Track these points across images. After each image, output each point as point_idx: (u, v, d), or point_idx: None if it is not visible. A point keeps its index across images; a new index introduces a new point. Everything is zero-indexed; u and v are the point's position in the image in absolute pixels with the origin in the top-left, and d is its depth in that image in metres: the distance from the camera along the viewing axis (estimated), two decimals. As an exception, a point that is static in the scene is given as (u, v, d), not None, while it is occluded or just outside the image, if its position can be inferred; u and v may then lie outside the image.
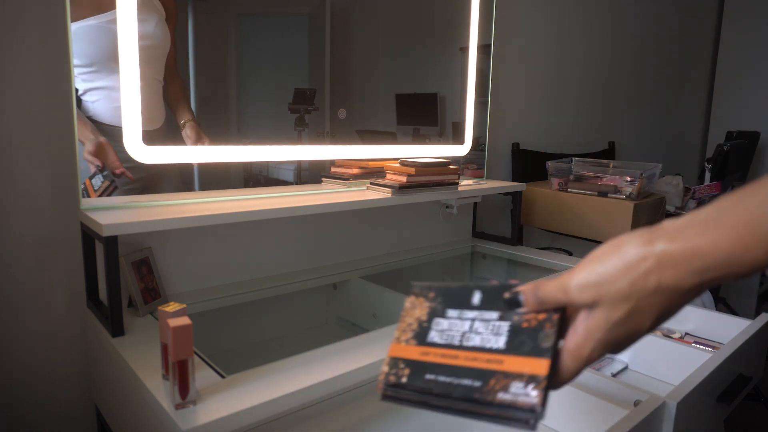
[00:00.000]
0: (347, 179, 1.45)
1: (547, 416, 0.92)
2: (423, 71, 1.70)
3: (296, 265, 1.42)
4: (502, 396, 0.42)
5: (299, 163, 1.43)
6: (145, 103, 1.07)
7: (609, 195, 1.83)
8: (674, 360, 1.12)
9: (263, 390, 0.79)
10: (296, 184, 1.44)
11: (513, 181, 2.14)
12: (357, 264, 1.51)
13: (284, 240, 1.38)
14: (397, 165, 1.42)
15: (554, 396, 0.90)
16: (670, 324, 1.35)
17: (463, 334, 0.48)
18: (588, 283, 0.41)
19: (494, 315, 0.47)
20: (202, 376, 0.83)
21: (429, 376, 0.46)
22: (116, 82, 1.03)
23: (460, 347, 0.47)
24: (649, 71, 3.06)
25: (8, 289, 1.09)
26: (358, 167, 1.47)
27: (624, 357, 1.20)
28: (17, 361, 1.11)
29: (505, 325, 0.46)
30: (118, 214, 1.00)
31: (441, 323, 0.49)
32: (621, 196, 1.81)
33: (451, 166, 1.49)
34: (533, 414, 0.41)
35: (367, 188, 1.45)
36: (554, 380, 0.42)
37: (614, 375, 1.16)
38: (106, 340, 0.97)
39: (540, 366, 0.42)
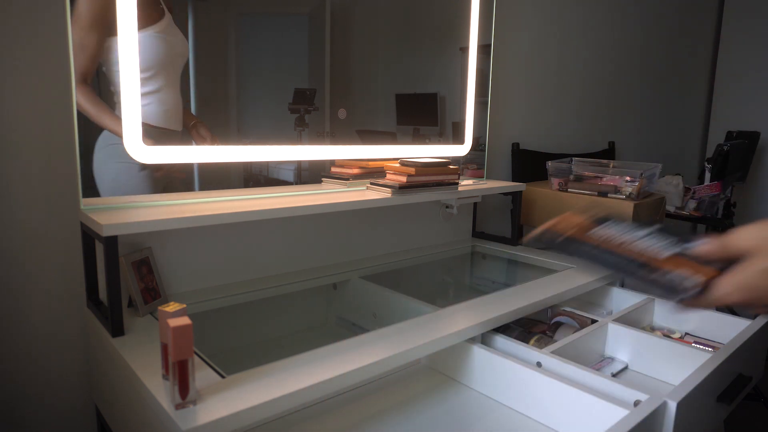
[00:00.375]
0: (347, 179, 1.45)
1: (546, 416, 0.92)
2: (423, 71, 1.70)
3: (296, 265, 1.42)
4: (657, 276, 0.43)
5: (299, 163, 1.43)
6: (176, 106, 1.15)
7: (609, 195, 1.83)
8: (674, 360, 1.12)
9: (263, 390, 0.79)
10: (296, 184, 1.44)
11: (513, 181, 2.14)
12: (357, 264, 1.51)
13: (284, 240, 1.38)
14: (397, 165, 1.42)
15: (554, 396, 0.90)
16: (670, 324, 1.35)
17: (628, 241, 0.48)
18: (752, 235, 0.51)
19: (663, 242, 0.50)
20: (202, 376, 0.83)
21: (585, 248, 0.45)
22: (168, 86, 1.14)
23: (623, 243, 0.47)
24: (649, 71, 3.05)
25: (7, 289, 1.09)
26: (358, 167, 1.47)
27: (624, 357, 1.20)
28: (17, 361, 1.11)
29: (672, 249, 0.49)
30: (118, 214, 1.01)
31: (607, 227, 0.50)
32: (621, 196, 1.81)
33: (451, 166, 1.49)
34: (686, 287, 0.41)
35: (367, 188, 1.45)
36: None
37: (614, 375, 1.16)
38: (106, 340, 0.97)
39: (704, 271, 0.47)
